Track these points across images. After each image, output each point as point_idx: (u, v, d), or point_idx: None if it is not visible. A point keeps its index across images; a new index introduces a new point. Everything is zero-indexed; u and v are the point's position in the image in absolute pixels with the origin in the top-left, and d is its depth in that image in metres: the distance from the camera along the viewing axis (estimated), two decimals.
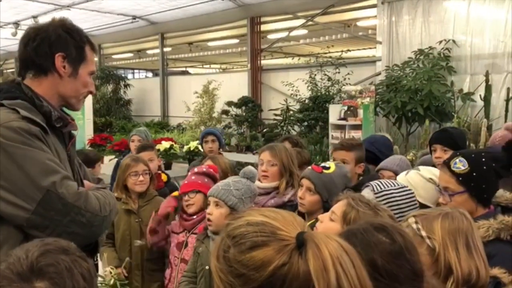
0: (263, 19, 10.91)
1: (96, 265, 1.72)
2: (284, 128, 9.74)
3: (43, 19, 11.48)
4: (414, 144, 7.09)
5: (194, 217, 2.51)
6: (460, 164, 1.81)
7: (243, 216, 0.91)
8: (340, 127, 7.67)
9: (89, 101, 10.02)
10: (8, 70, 20.21)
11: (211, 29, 12.01)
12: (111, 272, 2.27)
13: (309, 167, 2.29)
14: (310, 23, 10.01)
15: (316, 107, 8.91)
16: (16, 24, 12.24)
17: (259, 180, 2.49)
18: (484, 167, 1.81)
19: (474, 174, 1.79)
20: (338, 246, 0.83)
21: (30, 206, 1.35)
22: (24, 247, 0.91)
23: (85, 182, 1.69)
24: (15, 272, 0.85)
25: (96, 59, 15.40)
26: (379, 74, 8.59)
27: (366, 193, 1.93)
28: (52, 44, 1.54)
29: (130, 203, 2.86)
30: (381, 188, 1.90)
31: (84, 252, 1.45)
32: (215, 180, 2.53)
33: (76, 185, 1.47)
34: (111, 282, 2.12)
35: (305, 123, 9.14)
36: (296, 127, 9.51)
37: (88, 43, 1.65)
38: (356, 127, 7.37)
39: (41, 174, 1.37)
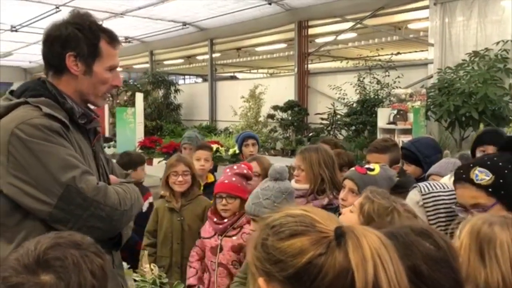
0: (310, 22, 10.85)
1: (129, 257, 1.70)
2: (331, 133, 9.61)
3: None
4: (468, 150, 6.77)
5: (226, 220, 2.49)
6: (483, 175, 1.62)
7: (283, 210, 0.94)
8: (389, 131, 7.46)
9: (140, 105, 10.34)
10: None
11: (259, 34, 12.07)
12: (152, 270, 2.30)
13: (353, 168, 2.23)
14: (359, 26, 9.84)
15: (364, 111, 8.72)
16: None
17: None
18: (506, 171, 1.65)
19: (501, 181, 1.62)
20: (377, 239, 0.84)
21: (52, 200, 1.38)
22: (36, 239, 0.92)
23: (111, 176, 1.70)
24: (22, 264, 0.85)
25: (148, 64, 15.95)
26: (431, 77, 8.30)
27: (413, 194, 1.86)
28: (63, 44, 1.53)
29: (173, 201, 2.89)
30: (428, 190, 1.81)
31: (108, 246, 1.49)
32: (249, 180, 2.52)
33: (96, 179, 1.48)
34: (151, 279, 2.13)
35: (353, 127, 8.97)
36: (343, 131, 9.35)
37: (104, 38, 1.58)
38: (406, 132, 7.15)
39: (61, 169, 1.39)
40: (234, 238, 2.48)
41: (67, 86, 1.56)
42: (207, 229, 2.60)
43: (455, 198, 1.78)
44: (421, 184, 1.86)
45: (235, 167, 2.59)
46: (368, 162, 2.58)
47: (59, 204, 1.37)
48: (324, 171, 2.47)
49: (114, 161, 2.09)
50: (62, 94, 1.53)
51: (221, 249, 2.47)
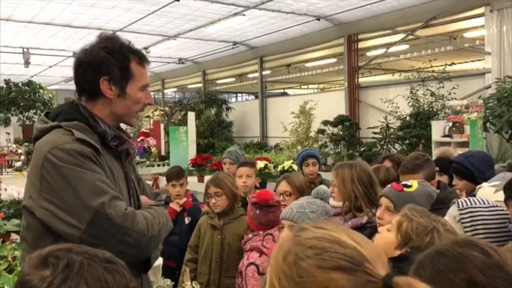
0: (360, 36, 10.72)
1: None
2: (384, 147, 9.36)
3: (154, 49, 12.52)
4: None
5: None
6: None
7: (325, 229, 0.83)
8: (445, 145, 7.15)
9: (192, 123, 10.61)
10: None
11: (308, 49, 12.09)
12: (193, 287, 2.33)
13: (389, 185, 2.16)
14: (410, 37, 9.60)
15: (418, 124, 8.44)
16: None
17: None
18: None
19: None
20: None
21: (82, 225, 1.39)
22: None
23: (142, 197, 1.70)
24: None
25: (200, 84, 16.37)
26: (489, 87, 7.91)
27: (452, 209, 1.79)
28: (96, 69, 1.53)
29: (215, 218, 2.92)
30: (467, 205, 1.74)
31: (137, 269, 1.51)
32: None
33: (125, 205, 1.48)
34: None
35: (407, 141, 8.69)
36: (397, 146, 9.08)
37: (134, 59, 1.59)
38: (463, 144, 6.82)
39: (91, 194, 1.41)
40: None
41: (101, 110, 1.58)
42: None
43: (497, 214, 1.69)
44: (461, 199, 1.79)
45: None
46: None
47: (88, 229, 1.39)
48: (357, 188, 2.39)
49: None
50: (95, 118, 1.55)
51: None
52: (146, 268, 1.62)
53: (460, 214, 1.71)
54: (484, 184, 2.17)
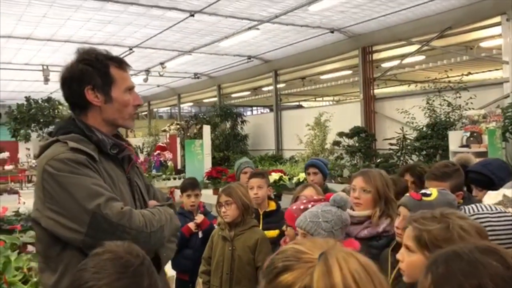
0: (375, 47, 10.69)
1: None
2: (401, 158, 9.25)
3: (170, 64, 12.69)
4: None
5: None
6: None
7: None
8: None
9: (207, 137, 10.67)
10: (142, 113, 22.57)
11: (323, 62, 12.09)
12: None
13: (407, 194, 2.11)
14: (425, 47, 9.54)
15: (435, 134, 8.33)
16: (147, 71, 13.68)
17: (351, 208, 2.35)
18: None
19: None
20: (357, 263, 0.80)
21: (82, 228, 1.45)
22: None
23: (151, 202, 1.75)
24: None
25: (215, 98, 16.49)
26: (507, 96, 7.79)
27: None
28: (78, 81, 1.62)
29: (226, 230, 2.89)
30: (473, 211, 1.70)
31: None
32: None
33: (121, 205, 1.52)
34: None
35: (424, 152, 8.57)
36: (414, 157, 8.97)
37: (112, 64, 1.66)
38: (481, 155, 6.69)
39: (87, 198, 1.47)
40: None
41: (94, 119, 1.65)
42: None
43: (504, 220, 1.65)
44: (467, 206, 1.76)
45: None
46: None
47: (89, 231, 1.45)
48: (391, 194, 2.33)
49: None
50: (90, 128, 1.63)
51: None
52: (157, 268, 1.63)
53: None
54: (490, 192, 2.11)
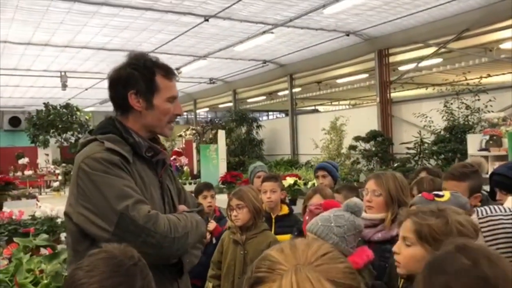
0: (391, 50, 10.59)
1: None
2: (419, 162, 9.11)
3: (185, 69, 12.76)
4: None
5: None
6: None
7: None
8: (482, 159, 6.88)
9: (222, 142, 10.68)
10: None
11: (339, 65, 12.01)
12: None
13: (420, 195, 2.04)
14: (442, 50, 9.40)
15: (453, 138, 8.19)
16: None
17: (364, 211, 2.28)
18: None
19: None
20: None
21: (110, 227, 1.49)
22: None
23: (180, 206, 1.77)
24: None
25: (231, 103, 16.52)
26: None
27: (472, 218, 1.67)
28: (124, 84, 1.66)
29: (238, 233, 2.85)
30: (486, 213, 1.66)
31: (171, 273, 1.60)
32: None
33: (148, 208, 1.54)
34: None
35: (442, 156, 8.42)
36: (431, 161, 8.82)
37: (159, 72, 1.68)
38: (501, 158, 6.53)
39: (117, 198, 1.50)
40: None
41: (134, 123, 1.69)
42: None
43: None
44: (481, 208, 1.71)
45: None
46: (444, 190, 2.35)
47: (115, 231, 1.49)
48: (407, 197, 2.27)
49: None
50: (128, 130, 1.67)
51: None
52: (180, 272, 1.66)
53: (480, 222, 1.63)
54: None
